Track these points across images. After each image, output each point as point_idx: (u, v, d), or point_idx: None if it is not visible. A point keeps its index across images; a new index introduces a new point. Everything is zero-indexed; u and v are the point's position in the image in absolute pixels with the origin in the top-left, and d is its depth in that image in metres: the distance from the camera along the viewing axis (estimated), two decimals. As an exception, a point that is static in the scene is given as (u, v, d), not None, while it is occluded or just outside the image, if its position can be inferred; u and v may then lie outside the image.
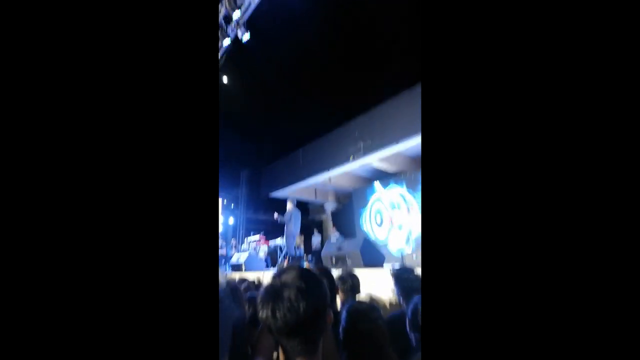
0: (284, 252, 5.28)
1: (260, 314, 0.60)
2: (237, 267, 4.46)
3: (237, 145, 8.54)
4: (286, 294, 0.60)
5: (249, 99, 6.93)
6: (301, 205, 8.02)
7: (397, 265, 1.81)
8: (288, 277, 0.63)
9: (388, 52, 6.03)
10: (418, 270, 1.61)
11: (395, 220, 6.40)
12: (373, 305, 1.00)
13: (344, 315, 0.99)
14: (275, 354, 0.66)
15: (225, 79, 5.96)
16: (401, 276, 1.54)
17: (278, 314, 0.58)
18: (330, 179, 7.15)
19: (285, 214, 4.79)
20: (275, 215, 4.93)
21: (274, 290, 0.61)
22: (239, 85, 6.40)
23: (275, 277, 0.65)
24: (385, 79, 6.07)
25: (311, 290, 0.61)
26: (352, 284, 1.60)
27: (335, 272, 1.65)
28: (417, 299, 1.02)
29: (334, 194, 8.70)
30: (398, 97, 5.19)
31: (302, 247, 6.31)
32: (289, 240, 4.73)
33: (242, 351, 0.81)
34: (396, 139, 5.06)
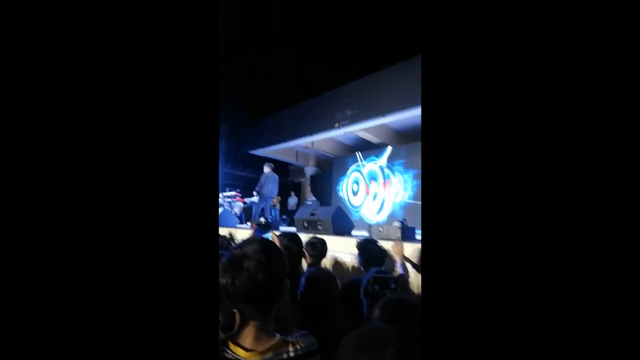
0: (256, 210, 5.40)
1: (220, 280, 0.64)
2: (210, 221, 4.49)
3: (221, 99, 8.08)
4: (246, 264, 0.63)
5: (235, 51, 6.43)
6: (281, 166, 7.97)
7: (362, 237, 1.91)
8: (250, 249, 0.66)
9: (385, 20, 5.70)
10: (381, 242, 1.73)
11: (372, 190, 6.61)
12: (330, 273, 1.08)
13: (302, 281, 1.06)
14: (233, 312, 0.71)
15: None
16: (364, 247, 1.65)
17: (237, 282, 0.62)
18: (312, 143, 7.10)
19: (262, 176, 4.83)
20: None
21: (236, 260, 0.64)
22: (225, 33, 5.87)
23: (238, 247, 0.68)
24: (382, 47, 5.81)
25: (270, 262, 0.65)
26: (320, 250, 1.69)
27: (306, 237, 1.72)
28: (374, 270, 1.11)
29: (315, 159, 8.70)
30: (391, 69, 5.04)
31: (277, 207, 6.42)
32: (261, 203, 4.89)
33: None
34: (383, 112, 5.02)
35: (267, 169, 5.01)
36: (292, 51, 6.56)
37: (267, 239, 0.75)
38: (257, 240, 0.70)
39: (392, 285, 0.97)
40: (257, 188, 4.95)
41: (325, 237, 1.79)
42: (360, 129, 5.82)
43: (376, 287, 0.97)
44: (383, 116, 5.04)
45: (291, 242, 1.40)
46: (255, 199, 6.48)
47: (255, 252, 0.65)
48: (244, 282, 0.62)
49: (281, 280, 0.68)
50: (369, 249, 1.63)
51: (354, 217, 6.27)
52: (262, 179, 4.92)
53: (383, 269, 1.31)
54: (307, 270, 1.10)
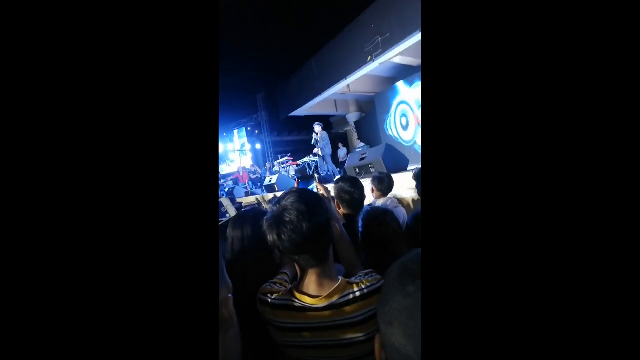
0: (312, 168, 5.59)
1: (268, 238, 0.64)
2: (270, 188, 4.80)
3: (248, 68, 7.98)
4: (287, 217, 0.62)
5: (247, 19, 6.07)
6: (322, 120, 7.86)
7: (417, 168, 1.82)
8: (287, 202, 0.64)
9: None
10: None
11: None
12: (384, 209, 1.03)
13: (359, 221, 1.04)
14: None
15: None
16: (420, 176, 1.56)
17: (284, 237, 0.62)
18: (349, 87, 6.67)
19: (318, 136, 5.05)
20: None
21: (276, 216, 0.64)
22: (234, 6, 5.54)
23: (276, 202, 0.66)
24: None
25: (311, 209, 0.63)
26: (388, 183, 1.67)
27: (370, 176, 1.73)
28: None
29: (355, 103, 8.26)
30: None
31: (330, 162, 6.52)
32: (328, 161, 5.29)
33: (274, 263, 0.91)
34: (419, 25, 4.32)
35: (318, 128, 5.30)
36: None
37: (303, 189, 0.72)
38: (292, 191, 0.67)
39: None
40: (317, 150, 5.23)
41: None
42: (397, 54, 5.18)
43: None
44: (419, 30, 4.35)
45: (351, 187, 1.37)
46: (306, 159, 6.65)
47: (294, 204, 0.63)
48: (290, 235, 0.62)
49: (327, 225, 0.66)
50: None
51: (408, 152, 5.95)
52: (319, 139, 5.17)
53: None
54: (362, 212, 1.07)
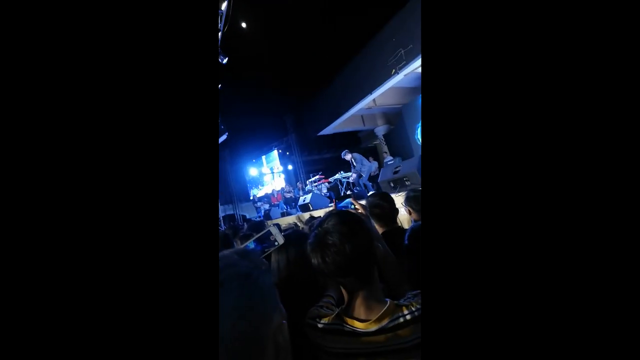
0: (344, 185, 5.60)
1: (313, 262, 0.65)
2: (305, 208, 4.86)
3: (274, 92, 8.39)
4: (330, 240, 0.63)
5: (271, 45, 6.47)
6: (350, 135, 7.83)
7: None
8: (329, 224, 0.65)
9: None
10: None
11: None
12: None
13: (405, 238, 1.01)
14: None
15: (244, 25, 5.60)
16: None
17: (328, 259, 0.62)
18: (374, 101, 6.68)
19: (354, 162, 5.25)
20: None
21: (319, 239, 0.64)
22: (257, 33, 5.96)
23: (317, 225, 0.67)
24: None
25: (353, 231, 0.63)
26: None
27: (402, 195, 1.61)
28: None
29: (382, 117, 8.22)
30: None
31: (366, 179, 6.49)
32: (365, 178, 5.30)
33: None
34: (441, 33, 4.27)
35: (348, 156, 5.40)
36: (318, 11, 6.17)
37: (343, 210, 0.72)
38: (333, 213, 0.68)
39: None
40: (356, 175, 5.35)
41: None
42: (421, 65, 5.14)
43: None
44: (443, 38, 4.30)
45: (382, 201, 1.34)
46: (338, 175, 6.68)
47: (336, 226, 0.64)
48: (333, 257, 0.62)
49: (369, 244, 0.65)
50: None
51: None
52: (356, 163, 5.29)
53: None
54: (410, 227, 1.03)
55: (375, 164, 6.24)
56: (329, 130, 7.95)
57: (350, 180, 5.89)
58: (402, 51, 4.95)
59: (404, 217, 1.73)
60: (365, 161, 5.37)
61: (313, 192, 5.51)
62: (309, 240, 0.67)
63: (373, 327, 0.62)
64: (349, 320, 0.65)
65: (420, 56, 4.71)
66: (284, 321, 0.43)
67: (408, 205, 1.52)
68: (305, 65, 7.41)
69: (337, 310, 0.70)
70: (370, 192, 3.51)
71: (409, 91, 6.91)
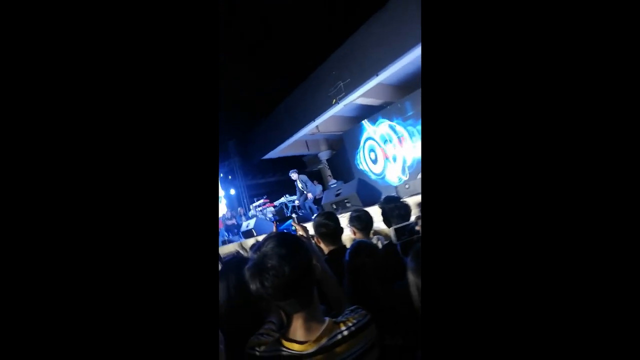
0: (289, 208, 5.57)
1: (251, 287, 0.64)
2: (248, 234, 4.65)
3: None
4: (269, 263, 0.62)
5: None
6: (295, 161, 7.93)
7: (382, 199, 1.85)
8: (267, 247, 0.65)
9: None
10: (405, 198, 1.67)
11: (389, 153, 6.44)
12: (365, 242, 1.06)
13: (347, 255, 1.06)
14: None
15: None
16: (385, 207, 1.60)
17: (267, 283, 0.62)
18: (318, 128, 7.00)
19: (299, 183, 5.23)
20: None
21: (257, 263, 0.64)
22: None
23: (256, 250, 0.67)
24: (351, 5, 5.48)
25: (291, 252, 0.64)
26: (366, 221, 1.60)
27: (346, 215, 1.68)
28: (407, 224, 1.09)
29: (325, 142, 8.61)
30: (369, 23, 4.77)
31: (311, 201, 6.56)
32: (310, 200, 5.30)
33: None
34: (375, 71, 4.79)
35: (294, 175, 5.42)
36: (267, 41, 6.40)
37: (283, 232, 0.74)
38: (271, 236, 0.69)
39: (413, 226, 0.98)
40: (304, 195, 5.32)
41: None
42: (358, 96, 5.62)
43: (403, 237, 0.98)
44: (376, 75, 4.82)
45: (328, 220, 1.38)
46: (283, 199, 6.63)
47: (274, 248, 0.64)
48: (273, 280, 0.62)
49: (309, 265, 0.67)
50: (388, 208, 1.58)
51: (380, 184, 6.17)
52: (303, 183, 5.29)
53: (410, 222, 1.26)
54: (351, 245, 1.08)
55: (320, 187, 6.40)
56: (274, 154, 7.97)
57: (296, 203, 5.91)
58: (342, 84, 5.37)
59: (348, 237, 1.80)
60: (310, 183, 5.48)
61: (257, 217, 5.34)
62: (247, 266, 0.66)
63: (312, 348, 0.63)
64: (288, 344, 0.64)
65: (357, 89, 5.18)
66: (221, 346, 0.46)
67: (352, 226, 1.59)
68: (250, 90, 7.46)
69: (276, 336, 0.69)
70: (315, 214, 3.57)
71: (349, 120, 7.44)
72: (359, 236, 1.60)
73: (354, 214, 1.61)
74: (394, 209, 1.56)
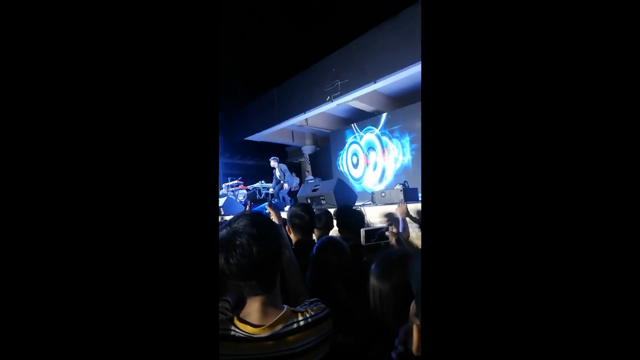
0: (262, 195, 5.51)
1: None
2: (215, 211, 4.52)
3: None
4: (238, 240, 0.60)
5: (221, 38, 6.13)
6: (278, 149, 7.81)
7: (339, 206, 1.94)
8: (240, 224, 0.63)
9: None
10: (378, 205, 1.72)
11: (371, 160, 6.55)
12: (335, 239, 1.07)
13: (314, 250, 1.06)
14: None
15: None
16: (340, 212, 1.71)
17: (232, 261, 0.60)
18: (307, 121, 6.94)
19: (278, 170, 5.24)
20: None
21: (225, 239, 0.61)
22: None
23: (227, 225, 0.64)
24: (365, 8, 5.47)
25: (263, 234, 0.62)
26: (325, 221, 1.68)
27: (320, 208, 1.73)
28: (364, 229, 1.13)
29: (311, 137, 8.56)
30: (376, 30, 4.79)
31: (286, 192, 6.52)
32: (284, 191, 5.32)
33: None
34: (374, 78, 4.83)
35: (274, 163, 5.38)
36: (274, 24, 6.23)
37: (257, 212, 0.72)
38: (246, 214, 0.66)
39: (384, 231, 1.03)
40: (280, 184, 5.31)
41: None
42: (353, 99, 5.65)
43: (372, 240, 1.03)
44: (374, 82, 4.86)
45: (303, 212, 1.38)
46: (258, 184, 6.54)
47: (246, 227, 0.62)
48: (238, 259, 0.60)
49: (278, 251, 0.66)
50: (343, 214, 1.68)
51: (356, 189, 6.27)
52: (282, 172, 5.28)
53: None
54: (319, 240, 1.08)
55: (297, 180, 6.37)
56: (257, 137, 7.79)
57: (270, 191, 5.85)
58: (339, 82, 5.36)
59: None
60: (288, 174, 5.45)
61: (228, 196, 5.21)
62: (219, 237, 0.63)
63: (265, 333, 0.62)
64: (241, 325, 0.63)
65: (353, 91, 5.20)
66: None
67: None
68: (246, 68, 7.23)
69: (230, 315, 0.67)
70: (289, 206, 3.56)
71: (339, 120, 7.46)
72: (317, 233, 1.65)
73: (317, 213, 1.67)
74: (346, 216, 1.67)
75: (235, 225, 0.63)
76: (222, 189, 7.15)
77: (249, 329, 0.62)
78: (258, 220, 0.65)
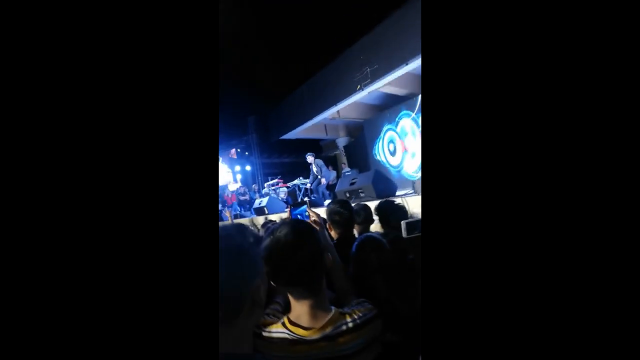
0: (302, 191, 5.63)
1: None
2: (260, 211, 4.76)
3: (240, 93, 8.18)
4: (280, 249, 0.64)
5: (245, 43, 6.34)
6: (312, 144, 7.88)
7: (381, 200, 1.88)
8: (282, 233, 0.66)
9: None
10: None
11: (409, 147, 6.29)
12: (373, 236, 1.06)
13: (353, 248, 1.06)
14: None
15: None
16: (380, 207, 1.67)
17: (276, 269, 0.63)
18: (338, 113, 6.87)
19: (315, 166, 5.34)
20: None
21: (269, 247, 0.65)
22: (235, 32, 5.81)
23: (270, 234, 0.68)
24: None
25: (304, 241, 0.65)
26: (364, 216, 1.66)
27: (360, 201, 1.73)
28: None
29: (344, 128, 8.48)
30: (402, 10, 4.53)
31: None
32: (323, 186, 5.41)
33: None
34: (405, 60, 4.60)
35: (310, 158, 5.47)
36: (295, 19, 6.24)
37: (295, 220, 0.74)
38: (285, 223, 0.70)
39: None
40: (318, 179, 5.43)
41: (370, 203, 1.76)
42: (384, 84, 5.45)
43: (415, 232, 1.00)
44: (406, 64, 4.63)
45: (342, 208, 1.39)
46: (297, 181, 6.70)
47: (287, 235, 0.65)
48: (283, 267, 0.63)
49: (320, 254, 0.68)
50: (383, 207, 1.65)
51: (396, 177, 6.08)
52: (316, 167, 5.37)
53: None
54: (357, 238, 1.09)
55: (334, 173, 6.40)
56: (292, 135, 7.95)
57: (308, 186, 5.95)
58: (368, 69, 5.21)
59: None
60: (325, 168, 5.48)
61: (270, 196, 5.43)
62: (261, 247, 0.67)
63: (316, 335, 0.65)
64: (293, 328, 0.66)
65: (384, 77, 5.01)
66: (262, 284, 0.49)
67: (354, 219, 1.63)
68: (275, 69, 7.38)
69: (282, 318, 0.71)
70: (328, 201, 3.60)
71: (371, 107, 7.26)
72: (357, 229, 1.64)
73: (355, 208, 1.65)
74: (387, 209, 1.65)
75: (277, 234, 0.67)
76: (264, 188, 7.46)
77: (300, 331, 0.65)
78: (297, 228, 0.68)
